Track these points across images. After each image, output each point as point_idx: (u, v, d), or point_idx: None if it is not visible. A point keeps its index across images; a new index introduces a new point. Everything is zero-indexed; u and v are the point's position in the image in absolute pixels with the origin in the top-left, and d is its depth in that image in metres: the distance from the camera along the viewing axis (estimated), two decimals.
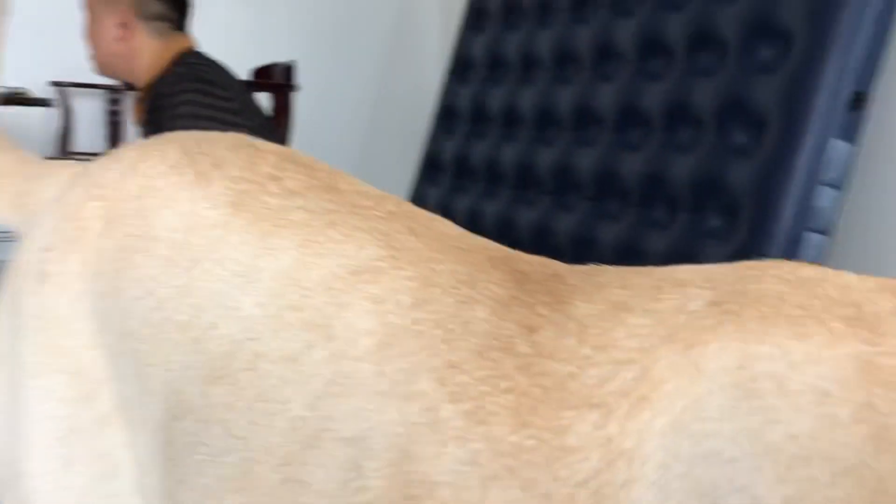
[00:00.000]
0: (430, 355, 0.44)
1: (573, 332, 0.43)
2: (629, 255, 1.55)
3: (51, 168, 0.65)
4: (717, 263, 0.46)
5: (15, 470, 0.57)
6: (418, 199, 2.20)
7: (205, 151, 0.56)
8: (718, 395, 0.38)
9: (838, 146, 1.33)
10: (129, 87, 2.07)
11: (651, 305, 0.42)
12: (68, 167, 0.65)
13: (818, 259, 1.32)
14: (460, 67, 2.20)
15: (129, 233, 0.54)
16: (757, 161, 1.38)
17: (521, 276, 0.48)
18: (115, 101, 2.46)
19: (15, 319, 0.58)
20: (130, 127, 2.40)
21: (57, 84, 2.38)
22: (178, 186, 0.55)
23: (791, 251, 1.33)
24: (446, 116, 2.21)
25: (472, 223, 1.99)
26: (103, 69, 1.66)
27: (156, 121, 1.49)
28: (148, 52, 1.59)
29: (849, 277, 0.41)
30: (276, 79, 2.01)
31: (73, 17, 1.87)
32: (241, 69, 2.21)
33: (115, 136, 2.43)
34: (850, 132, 1.34)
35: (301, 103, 2.26)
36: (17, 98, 2.26)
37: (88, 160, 0.63)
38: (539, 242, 1.79)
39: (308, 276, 0.49)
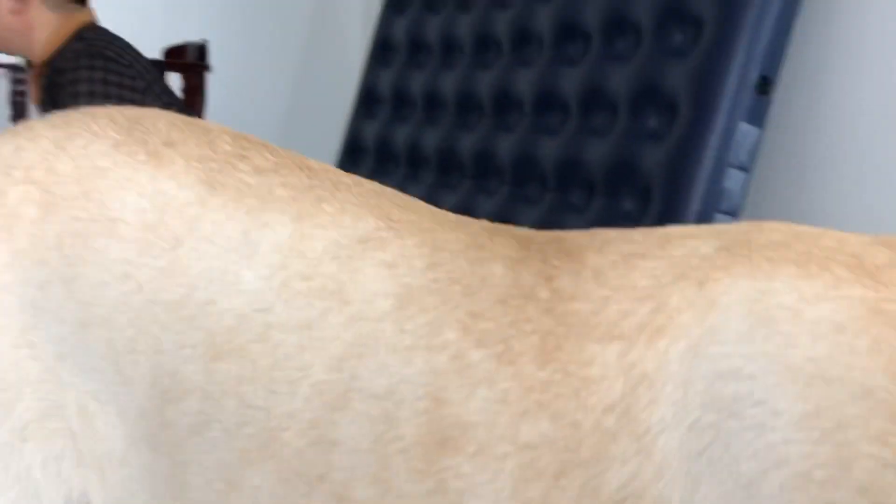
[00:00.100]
0: (451, 308, 0.46)
1: (590, 278, 0.46)
2: None
3: None
4: None
5: None
6: None
7: (149, 129, 0.54)
8: (734, 323, 0.41)
9: (746, 130, 1.36)
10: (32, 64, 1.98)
11: (662, 252, 0.46)
12: None
13: None
14: (381, 50, 2.18)
15: (76, 216, 0.51)
16: (669, 144, 1.40)
17: (524, 240, 0.50)
18: (18, 81, 2.35)
19: None
20: (34, 107, 2.30)
21: None
22: (132, 167, 0.52)
23: None
24: (367, 100, 2.18)
25: None
26: None
27: (53, 99, 1.43)
28: (45, 27, 1.52)
29: (843, 233, 0.45)
30: (188, 59, 1.95)
31: None
32: (152, 49, 2.14)
33: (19, 117, 2.33)
34: (757, 116, 1.37)
35: (215, 85, 2.20)
36: None
37: None
38: None
39: (312, 247, 0.49)
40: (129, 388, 0.51)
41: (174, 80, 2.22)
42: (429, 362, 0.45)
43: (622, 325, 0.43)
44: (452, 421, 0.44)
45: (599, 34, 1.58)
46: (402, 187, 1.97)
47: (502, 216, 1.67)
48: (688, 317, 0.42)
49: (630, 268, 0.45)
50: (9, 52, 1.61)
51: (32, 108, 2.33)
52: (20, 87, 2.36)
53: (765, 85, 1.36)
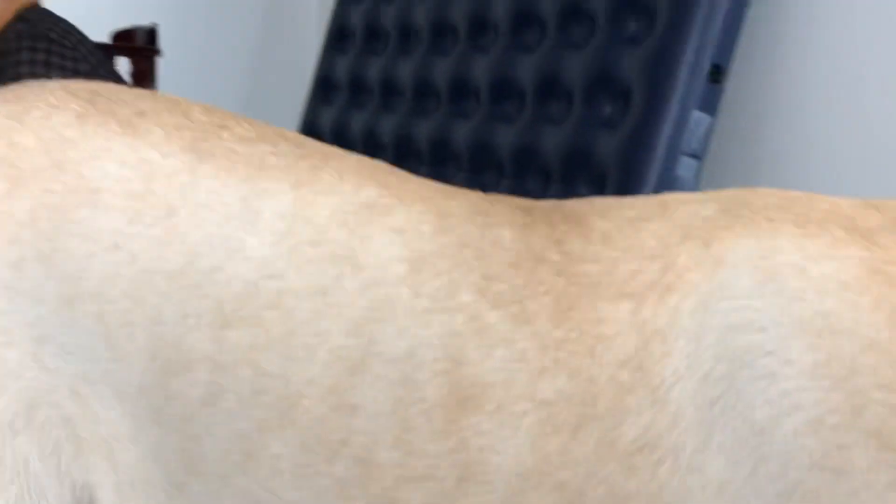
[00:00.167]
0: (465, 272, 0.47)
1: (598, 240, 0.47)
2: None
3: None
4: None
5: None
6: None
7: (114, 101, 0.52)
8: (743, 279, 0.43)
9: (699, 118, 1.37)
10: None
11: (665, 215, 0.48)
12: None
13: None
14: (337, 37, 2.16)
15: (49, 189, 0.49)
16: (623, 132, 1.41)
17: (526, 207, 0.51)
18: None
19: None
20: None
21: None
22: (104, 137, 0.50)
23: None
24: (323, 87, 2.17)
25: None
26: None
27: None
28: None
29: (832, 197, 0.47)
30: (137, 43, 1.91)
31: None
32: (100, 32, 2.09)
33: None
34: (710, 104, 1.38)
35: (165, 70, 2.16)
36: None
37: None
38: None
39: (318, 214, 0.49)
40: (124, 363, 0.49)
41: (122, 65, 2.17)
42: (446, 324, 0.46)
43: (632, 284, 0.45)
44: (471, 381, 0.45)
45: (555, 22, 1.58)
46: None
47: None
48: (696, 274, 0.44)
49: (636, 230, 0.47)
50: None
51: None
52: None
53: (717, 73, 1.37)
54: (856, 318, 0.40)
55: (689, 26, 1.37)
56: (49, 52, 1.41)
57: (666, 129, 1.37)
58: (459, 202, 0.50)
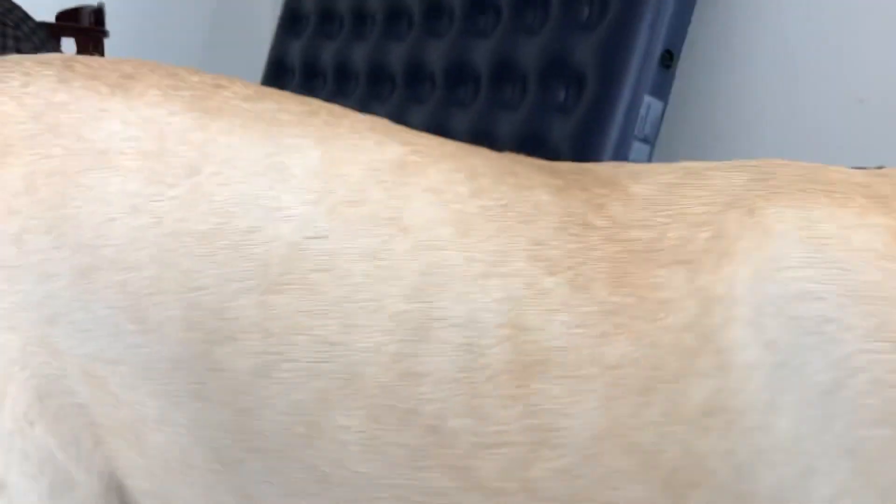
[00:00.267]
0: (512, 236, 0.46)
1: (641, 206, 0.47)
2: None
3: None
4: None
5: None
6: None
7: (94, 66, 0.49)
8: (794, 249, 0.44)
9: (650, 103, 1.38)
10: None
11: (700, 182, 0.48)
12: None
13: None
14: (291, 20, 2.13)
15: (47, 154, 0.46)
16: (576, 117, 1.42)
17: (549, 168, 0.51)
18: None
19: None
20: None
21: None
22: (98, 99, 0.48)
23: None
24: (277, 71, 2.14)
25: None
26: None
27: None
28: None
29: (839, 167, 0.49)
30: (83, 23, 1.86)
31: None
32: (44, 11, 2.03)
33: None
34: (661, 89, 1.39)
35: (113, 52, 2.11)
36: None
37: None
38: None
39: (351, 172, 0.47)
40: (153, 335, 0.46)
41: (68, 46, 2.12)
42: (504, 290, 0.45)
43: (685, 250, 0.45)
44: (535, 346, 0.45)
45: (510, 7, 1.59)
46: None
47: None
48: (746, 243, 0.45)
49: (677, 196, 0.47)
50: None
51: None
52: None
53: (668, 59, 1.39)
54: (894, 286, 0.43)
55: (641, 12, 1.38)
56: None
57: (618, 114, 1.38)
58: (483, 160, 0.49)
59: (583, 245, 0.46)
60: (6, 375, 0.45)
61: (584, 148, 1.39)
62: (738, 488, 0.44)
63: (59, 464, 0.46)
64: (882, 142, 1.30)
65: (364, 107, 1.86)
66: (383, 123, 0.51)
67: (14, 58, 0.50)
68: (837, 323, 0.43)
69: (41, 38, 1.48)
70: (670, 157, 1.53)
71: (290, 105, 0.50)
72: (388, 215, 0.47)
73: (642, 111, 1.39)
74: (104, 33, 1.91)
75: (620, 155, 1.38)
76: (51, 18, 1.97)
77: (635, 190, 0.48)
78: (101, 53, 1.91)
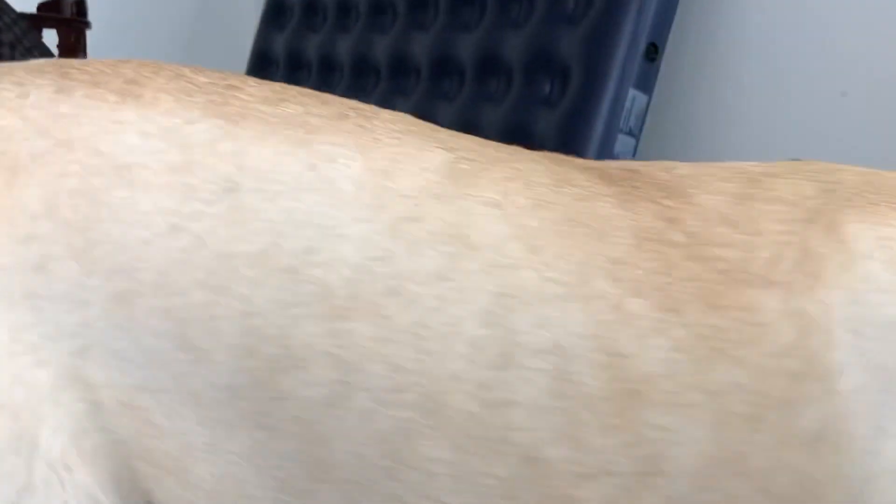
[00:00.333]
0: (588, 254, 0.44)
1: (717, 220, 0.45)
2: None
3: None
4: None
5: None
6: None
7: (90, 71, 0.46)
8: (881, 272, 0.44)
9: (635, 96, 1.39)
10: None
11: (768, 194, 0.46)
12: None
13: None
14: (275, 12, 2.12)
15: (64, 172, 0.42)
16: (561, 111, 1.42)
17: (602, 173, 0.48)
18: None
19: None
20: None
21: None
22: (108, 108, 0.44)
23: None
24: (261, 64, 2.13)
25: None
26: None
27: None
28: None
29: (888, 172, 0.49)
30: (64, 14, 1.85)
31: None
32: (24, 2, 2.00)
33: None
34: (646, 83, 1.40)
35: (95, 43, 2.09)
36: None
37: None
38: None
39: (403, 184, 0.44)
40: (205, 363, 0.42)
41: (49, 38, 2.09)
42: (589, 314, 0.43)
43: (776, 271, 0.44)
44: (634, 373, 0.43)
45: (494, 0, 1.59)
46: None
47: None
48: (833, 264, 0.44)
49: (750, 209, 0.46)
50: None
51: None
52: None
53: (653, 52, 1.39)
54: None
55: (625, 5, 1.39)
56: None
57: (603, 108, 1.39)
58: (532, 164, 0.47)
59: (664, 263, 0.44)
60: (37, 418, 0.41)
61: (569, 141, 1.39)
62: None
63: None
64: (865, 135, 1.31)
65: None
66: (414, 123, 0.48)
67: (4, 67, 0.47)
68: None
69: (22, 28, 1.46)
70: (655, 150, 1.53)
71: (314, 106, 0.46)
72: (451, 232, 0.44)
73: (627, 104, 1.39)
74: (86, 24, 1.89)
75: (606, 148, 1.38)
76: (32, 9, 1.95)
77: (704, 201, 0.46)
78: (84, 45, 1.89)
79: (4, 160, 0.42)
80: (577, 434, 0.43)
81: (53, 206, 0.42)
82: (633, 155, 1.41)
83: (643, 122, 1.41)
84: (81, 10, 1.88)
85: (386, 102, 1.76)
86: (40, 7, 1.91)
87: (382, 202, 0.44)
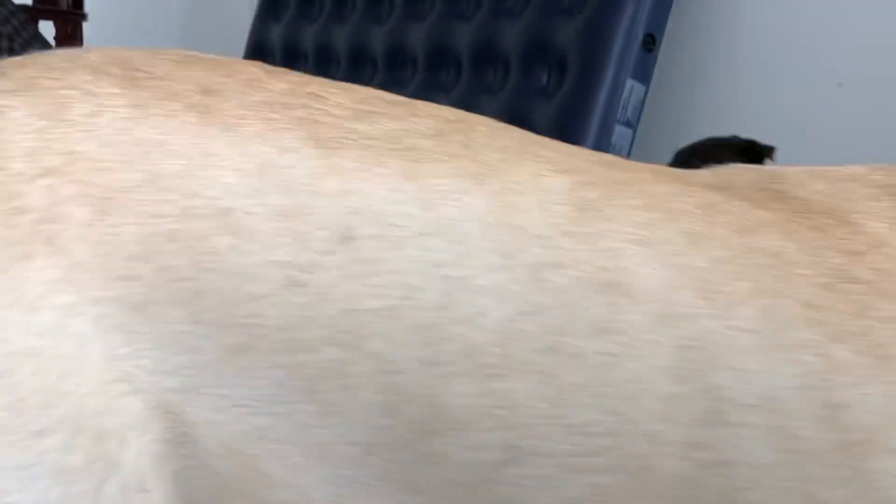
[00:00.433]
0: (773, 297, 0.41)
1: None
2: None
3: None
4: None
5: None
6: None
7: (158, 75, 0.42)
8: None
9: (633, 86, 1.39)
10: None
11: None
12: None
13: None
14: (271, 2, 2.12)
15: (158, 213, 0.39)
16: (559, 101, 1.42)
17: (730, 192, 0.44)
18: None
19: None
20: None
21: None
22: (194, 136, 0.39)
23: None
24: (257, 54, 2.12)
25: None
26: None
27: None
28: None
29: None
30: (61, 6, 1.84)
31: None
32: None
33: None
34: (643, 73, 1.40)
35: (92, 35, 2.08)
36: None
37: None
38: None
39: (530, 221, 0.40)
40: (338, 418, 0.40)
41: (46, 30, 2.09)
42: (794, 363, 0.41)
43: None
44: (855, 424, 0.41)
45: None
46: None
47: None
48: None
49: None
50: None
51: None
52: None
53: (650, 42, 1.39)
54: None
55: None
56: None
57: (601, 98, 1.39)
58: (656, 186, 0.43)
59: (860, 305, 0.42)
60: (121, 443, 0.39)
61: (566, 132, 1.39)
62: None
63: None
64: (861, 125, 1.31)
65: None
66: (506, 133, 0.44)
67: (50, 61, 0.42)
68: None
69: (20, 21, 1.46)
70: (652, 141, 1.54)
71: (406, 120, 0.43)
72: (603, 279, 0.40)
73: (624, 95, 1.39)
74: (83, 16, 1.89)
75: (603, 138, 1.39)
76: (29, 1, 1.94)
77: (873, 229, 0.43)
78: (80, 37, 1.89)
79: (91, 192, 0.38)
80: (808, 489, 0.41)
81: (151, 250, 0.39)
82: (631, 146, 1.42)
83: (640, 113, 1.42)
84: (78, 2, 1.87)
85: None
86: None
87: (514, 246, 0.40)
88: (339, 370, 0.39)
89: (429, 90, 1.66)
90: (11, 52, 1.35)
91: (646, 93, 1.42)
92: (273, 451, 0.40)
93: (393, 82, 1.75)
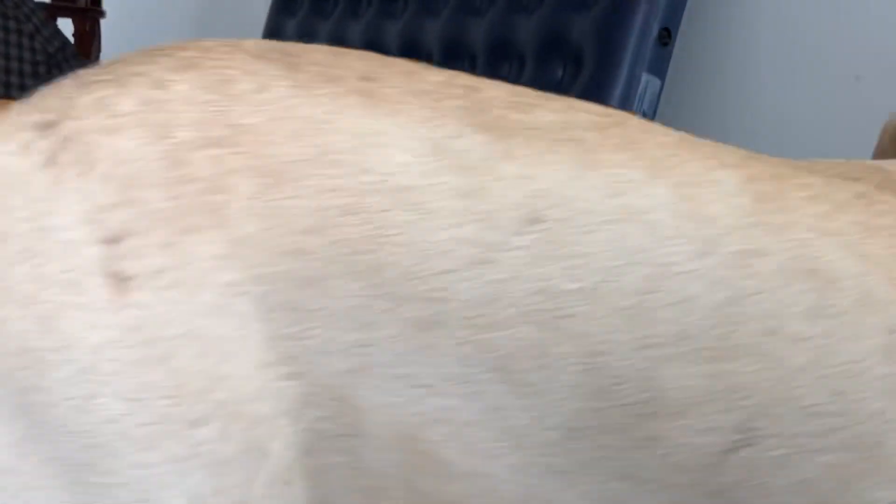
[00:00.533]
0: None
1: None
2: None
3: None
4: None
5: None
6: None
7: (315, 61, 0.41)
8: None
9: (648, 80, 1.39)
10: None
11: None
12: None
13: None
14: None
15: (332, 188, 0.38)
16: (574, 96, 1.42)
17: (855, 178, 0.45)
18: None
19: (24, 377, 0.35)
20: None
21: None
22: (361, 116, 0.39)
23: None
24: None
25: None
26: None
27: None
28: None
29: None
30: (79, 3, 1.86)
31: None
32: None
33: None
34: (659, 67, 1.40)
35: (109, 31, 2.10)
36: None
37: None
38: None
39: (717, 212, 0.41)
40: (533, 401, 0.39)
41: (65, 27, 2.11)
42: None
43: None
44: None
45: None
46: None
47: None
48: None
49: None
50: None
51: None
52: None
53: (666, 36, 1.39)
54: None
55: None
56: None
57: (616, 92, 1.39)
58: (810, 177, 0.44)
59: None
60: (272, 430, 0.37)
61: None
62: None
63: None
64: (879, 119, 1.31)
65: None
66: (661, 130, 0.45)
67: (206, 45, 0.42)
68: None
69: (40, 18, 1.48)
70: None
71: (566, 112, 0.43)
72: (802, 267, 0.41)
73: (640, 89, 1.39)
74: (101, 13, 1.91)
75: None
76: None
77: None
78: (98, 33, 1.90)
79: (261, 164, 0.37)
80: None
81: (325, 223, 0.38)
82: None
83: (656, 107, 1.42)
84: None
85: None
86: None
87: (710, 234, 0.41)
88: (536, 349, 0.39)
89: None
90: (33, 50, 1.37)
91: (661, 87, 1.41)
92: (456, 436, 0.39)
93: None
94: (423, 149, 0.39)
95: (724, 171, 0.43)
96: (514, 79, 1.55)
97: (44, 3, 1.77)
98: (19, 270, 0.35)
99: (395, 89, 0.41)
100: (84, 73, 0.40)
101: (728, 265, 0.40)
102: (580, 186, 0.40)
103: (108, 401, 0.35)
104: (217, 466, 0.36)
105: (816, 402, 0.40)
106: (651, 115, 1.41)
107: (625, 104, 1.39)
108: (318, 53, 0.42)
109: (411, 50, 1.76)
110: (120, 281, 0.35)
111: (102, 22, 1.95)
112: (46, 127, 0.37)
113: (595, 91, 1.40)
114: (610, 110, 0.45)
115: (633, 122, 0.44)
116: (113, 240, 0.36)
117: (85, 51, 1.85)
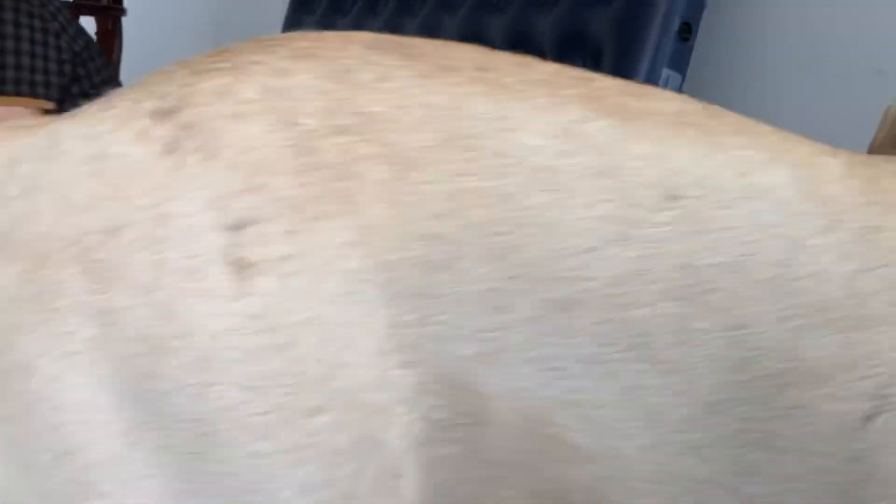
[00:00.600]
0: None
1: None
2: None
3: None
4: None
5: None
6: None
7: (428, 52, 0.42)
8: None
9: (669, 76, 1.39)
10: None
11: None
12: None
13: None
14: None
15: (459, 171, 0.38)
16: None
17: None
18: None
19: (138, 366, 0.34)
20: None
21: None
22: (486, 101, 0.39)
23: None
24: None
25: None
26: None
27: None
28: None
29: None
30: (103, 2, 1.87)
31: None
32: None
33: None
34: (679, 62, 1.40)
35: (131, 29, 2.12)
36: None
37: None
38: None
39: (836, 192, 0.43)
40: (673, 378, 0.39)
41: (87, 25, 2.13)
42: None
43: None
44: None
45: None
46: None
47: None
48: None
49: None
50: None
51: None
52: None
53: (686, 31, 1.39)
54: None
55: None
56: (17, 10, 1.38)
57: None
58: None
59: None
60: (387, 420, 0.37)
61: None
62: None
63: None
64: None
65: None
66: (750, 118, 0.47)
67: (323, 35, 0.42)
68: None
69: (66, 17, 1.49)
70: None
71: (664, 101, 0.44)
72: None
73: (661, 84, 1.39)
74: (122, 11, 1.92)
75: None
76: None
77: None
78: (119, 32, 1.92)
79: (391, 151, 0.37)
80: None
81: (459, 207, 0.38)
82: None
83: None
84: None
85: None
86: None
87: (834, 211, 0.42)
88: (677, 325, 0.39)
89: None
90: (59, 48, 1.38)
91: (682, 82, 1.41)
92: (587, 419, 0.38)
93: None
94: (554, 131, 0.40)
95: (827, 156, 0.45)
96: None
97: (67, 2, 1.78)
98: (138, 258, 0.35)
99: (513, 78, 0.41)
100: (193, 62, 0.40)
101: (854, 240, 0.42)
102: (711, 165, 0.41)
103: (225, 389, 0.34)
104: (330, 457, 0.36)
105: None
106: None
107: None
108: (429, 45, 0.43)
109: None
110: (242, 268, 0.35)
111: (123, 21, 1.97)
112: (165, 114, 0.37)
113: None
114: (699, 103, 0.46)
115: (727, 112, 0.46)
116: (237, 226, 0.35)
117: (107, 49, 1.87)
